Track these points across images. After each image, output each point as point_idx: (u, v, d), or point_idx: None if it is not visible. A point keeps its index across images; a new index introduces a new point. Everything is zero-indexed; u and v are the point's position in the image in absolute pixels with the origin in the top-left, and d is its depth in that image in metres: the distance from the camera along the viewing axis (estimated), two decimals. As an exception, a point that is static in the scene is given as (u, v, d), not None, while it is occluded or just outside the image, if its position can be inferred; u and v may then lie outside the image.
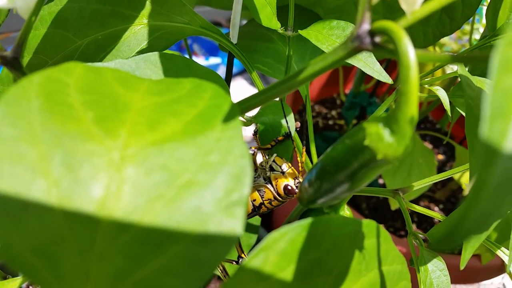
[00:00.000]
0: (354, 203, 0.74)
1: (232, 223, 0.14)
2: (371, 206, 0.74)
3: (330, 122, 0.87)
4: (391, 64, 0.78)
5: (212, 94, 0.17)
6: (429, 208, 0.77)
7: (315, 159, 0.38)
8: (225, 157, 0.15)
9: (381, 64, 0.27)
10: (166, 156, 0.14)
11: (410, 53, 0.15)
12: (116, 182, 0.13)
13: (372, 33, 0.17)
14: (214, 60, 1.11)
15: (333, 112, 0.89)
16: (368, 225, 0.19)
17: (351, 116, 0.73)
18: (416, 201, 0.76)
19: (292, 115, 0.27)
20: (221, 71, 1.13)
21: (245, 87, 1.10)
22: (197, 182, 0.14)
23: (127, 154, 0.14)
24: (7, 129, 0.13)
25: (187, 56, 0.59)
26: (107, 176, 0.13)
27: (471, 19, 0.68)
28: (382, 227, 0.20)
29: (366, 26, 0.17)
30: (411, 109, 0.16)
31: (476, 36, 0.97)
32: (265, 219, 0.77)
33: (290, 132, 0.28)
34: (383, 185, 0.75)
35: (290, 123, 0.28)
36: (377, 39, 0.17)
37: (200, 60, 1.10)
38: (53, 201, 0.13)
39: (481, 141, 0.10)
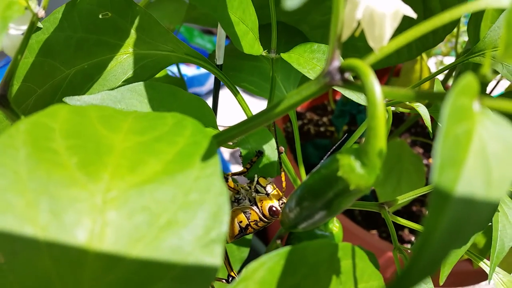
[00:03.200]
0: (347, 210, 0.75)
1: (211, 260, 0.15)
2: (364, 212, 0.75)
3: (322, 129, 0.88)
4: (379, 71, 0.79)
5: (192, 131, 0.18)
6: (421, 212, 0.78)
7: (303, 175, 0.39)
8: (203, 195, 0.16)
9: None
10: (146, 198, 0.15)
11: (376, 90, 0.16)
12: (99, 226, 0.14)
13: (342, 70, 0.18)
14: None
15: (324, 119, 0.90)
16: (344, 247, 0.20)
17: (341, 123, 0.74)
18: (408, 206, 0.77)
19: (273, 140, 0.28)
20: (213, 79, 1.13)
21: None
22: (176, 221, 0.15)
23: (109, 198, 0.15)
24: (-5, 179, 0.14)
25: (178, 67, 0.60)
26: (91, 220, 0.14)
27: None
28: (358, 248, 0.21)
29: (336, 63, 0.18)
30: (379, 143, 0.17)
31: (465, 38, 0.99)
32: (260, 230, 0.78)
33: (261, 150, 0.29)
34: (374, 191, 0.76)
35: (269, 148, 0.29)
36: (347, 75, 0.18)
37: (192, 68, 1.11)
38: (40, 246, 0.13)
39: (432, 188, 0.11)
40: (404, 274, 0.10)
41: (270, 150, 0.28)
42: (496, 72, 0.33)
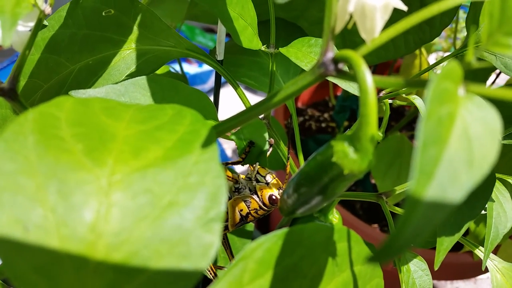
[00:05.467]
0: (348, 203, 0.76)
1: (210, 238, 0.16)
2: (365, 206, 0.76)
3: (323, 125, 0.89)
4: (379, 67, 0.80)
5: (191, 120, 0.19)
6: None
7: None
8: (202, 178, 0.16)
9: (369, 69, 0.29)
10: (149, 181, 0.16)
11: (367, 79, 0.17)
12: (105, 206, 0.15)
13: (335, 61, 0.19)
14: (207, 67, 1.13)
15: (326, 115, 0.91)
16: (340, 230, 0.21)
17: (342, 119, 0.75)
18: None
19: (266, 132, 0.29)
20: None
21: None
22: (178, 202, 0.16)
23: (114, 181, 0.15)
24: (7, 163, 0.15)
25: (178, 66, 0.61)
26: (97, 201, 0.15)
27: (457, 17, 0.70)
28: (353, 232, 0.22)
29: (330, 54, 0.19)
30: (371, 129, 0.17)
31: (465, 34, 0.99)
32: (262, 222, 0.79)
33: (252, 141, 0.30)
34: (375, 185, 0.76)
35: (261, 140, 0.30)
36: (340, 66, 0.19)
37: (194, 67, 1.12)
38: (50, 226, 0.14)
39: (413, 167, 0.12)
40: (392, 241, 0.11)
41: (262, 141, 0.29)
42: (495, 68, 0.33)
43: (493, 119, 0.15)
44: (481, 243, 0.55)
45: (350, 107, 0.73)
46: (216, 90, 0.40)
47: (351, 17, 0.19)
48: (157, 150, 0.17)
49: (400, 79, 0.17)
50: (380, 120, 0.36)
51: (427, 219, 0.12)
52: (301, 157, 0.39)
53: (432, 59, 1.11)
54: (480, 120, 0.14)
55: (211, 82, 1.14)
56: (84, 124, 0.17)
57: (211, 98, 0.41)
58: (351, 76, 0.18)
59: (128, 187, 0.15)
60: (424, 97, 0.13)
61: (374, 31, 0.19)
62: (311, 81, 0.19)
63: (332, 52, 0.19)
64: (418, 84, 0.17)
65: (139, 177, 0.16)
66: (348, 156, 0.18)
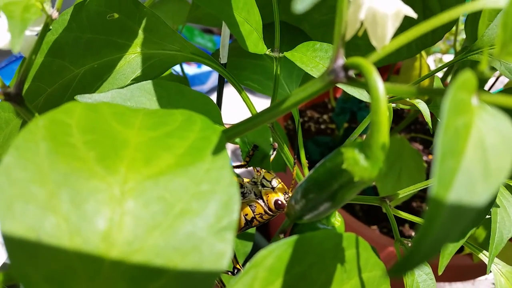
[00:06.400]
0: (348, 205, 0.76)
1: (223, 246, 0.15)
2: (365, 208, 0.76)
3: (322, 127, 0.89)
4: (379, 70, 0.80)
5: (202, 127, 0.19)
6: (421, 208, 0.79)
7: (306, 171, 0.40)
8: (214, 186, 0.16)
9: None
10: (161, 188, 0.16)
11: (379, 87, 0.17)
12: (118, 215, 0.15)
13: (346, 68, 0.18)
14: (206, 68, 1.13)
15: (325, 117, 0.91)
16: (348, 237, 0.21)
17: (342, 121, 0.75)
18: (408, 202, 0.78)
19: (269, 135, 0.29)
20: (214, 78, 1.14)
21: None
22: (190, 210, 0.16)
23: (127, 189, 0.15)
24: (19, 172, 0.15)
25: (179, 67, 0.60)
26: (110, 210, 0.15)
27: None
28: (361, 238, 0.22)
29: (340, 61, 0.19)
30: (382, 137, 0.17)
31: (463, 36, 0.99)
32: (262, 225, 0.79)
33: (256, 145, 0.30)
34: (375, 187, 0.76)
35: (265, 142, 0.29)
36: (351, 73, 0.18)
37: (192, 67, 1.11)
38: (63, 234, 0.14)
39: (433, 178, 0.12)
40: (411, 253, 0.11)
41: (266, 145, 0.29)
42: (494, 69, 0.33)
43: (507, 128, 0.15)
44: (481, 246, 0.55)
45: (350, 109, 0.73)
46: (219, 93, 0.40)
47: (361, 24, 0.19)
48: (168, 157, 0.17)
49: (412, 87, 0.17)
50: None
51: (446, 229, 0.12)
52: (304, 160, 0.39)
53: (430, 61, 1.11)
54: (495, 130, 0.14)
55: (210, 83, 1.14)
56: (95, 130, 0.17)
57: (212, 98, 0.41)
58: (362, 83, 0.18)
59: (140, 195, 0.15)
60: (441, 107, 0.13)
61: (385, 38, 0.19)
62: (321, 88, 0.19)
63: (342, 59, 0.19)
64: (431, 93, 0.17)
65: (151, 185, 0.16)
66: (359, 163, 0.18)
